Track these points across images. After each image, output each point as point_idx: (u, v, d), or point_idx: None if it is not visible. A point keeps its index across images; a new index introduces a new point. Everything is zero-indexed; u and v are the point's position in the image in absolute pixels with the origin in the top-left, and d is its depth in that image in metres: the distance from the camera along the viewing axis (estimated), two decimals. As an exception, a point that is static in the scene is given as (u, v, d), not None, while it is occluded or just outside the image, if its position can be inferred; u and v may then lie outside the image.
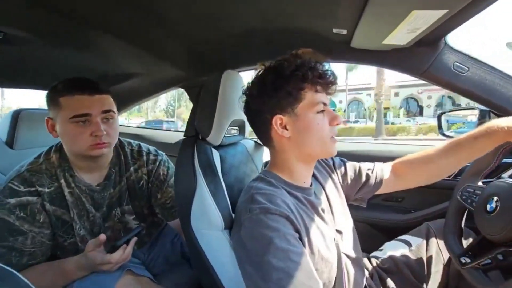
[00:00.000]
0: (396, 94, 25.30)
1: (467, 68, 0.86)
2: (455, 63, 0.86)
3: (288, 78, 0.65)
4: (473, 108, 1.13)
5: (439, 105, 24.36)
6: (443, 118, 1.26)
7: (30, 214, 0.82)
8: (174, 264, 1.08)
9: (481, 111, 1.06)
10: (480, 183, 0.83)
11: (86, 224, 0.91)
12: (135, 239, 0.85)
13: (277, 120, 0.66)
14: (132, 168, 1.00)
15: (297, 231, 0.60)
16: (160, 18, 0.79)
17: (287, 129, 0.67)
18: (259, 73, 0.70)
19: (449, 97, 23.80)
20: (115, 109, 0.89)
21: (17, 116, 1.26)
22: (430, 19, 0.60)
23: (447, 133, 1.23)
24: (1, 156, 1.23)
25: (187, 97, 1.41)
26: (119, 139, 0.98)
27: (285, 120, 0.67)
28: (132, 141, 1.06)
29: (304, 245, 0.61)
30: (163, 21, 0.82)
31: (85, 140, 0.83)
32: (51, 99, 0.84)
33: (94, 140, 0.83)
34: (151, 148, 1.07)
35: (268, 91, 0.67)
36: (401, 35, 0.71)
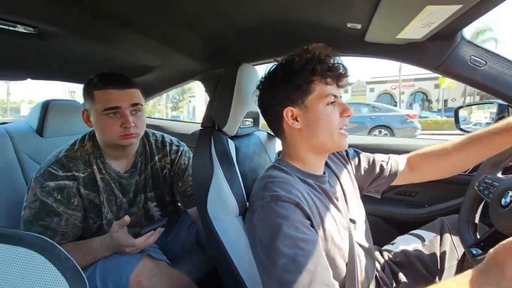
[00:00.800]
0: (372, 90, 25.73)
1: (485, 62, 0.85)
2: (472, 57, 0.85)
3: (298, 72, 0.67)
4: (491, 103, 1.11)
5: (412, 99, 24.92)
6: (460, 112, 1.25)
7: (66, 197, 0.90)
8: (188, 250, 1.14)
9: (500, 105, 1.04)
10: (499, 175, 0.83)
11: (113, 209, 0.99)
12: (160, 230, 0.91)
13: (288, 112, 0.69)
14: (156, 158, 1.08)
15: (308, 217, 0.62)
16: (179, 12, 0.82)
17: (297, 121, 0.69)
18: (271, 68, 0.73)
19: (422, 92, 24.41)
20: (143, 102, 0.97)
21: (46, 106, 1.34)
22: (445, 13, 0.60)
23: (463, 127, 1.21)
24: (31, 143, 1.32)
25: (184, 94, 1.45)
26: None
27: (296, 112, 0.69)
28: (156, 132, 1.13)
29: (316, 231, 0.62)
30: (181, 16, 0.85)
31: (115, 130, 0.91)
32: (86, 92, 0.92)
33: (124, 131, 0.91)
34: (174, 139, 1.15)
35: (279, 84, 0.69)
36: (416, 29, 0.71)
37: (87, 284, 0.34)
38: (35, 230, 0.86)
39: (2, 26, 0.79)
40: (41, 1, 0.72)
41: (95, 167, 0.96)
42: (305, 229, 0.59)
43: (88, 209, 0.96)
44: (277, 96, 0.70)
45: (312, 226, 0.62)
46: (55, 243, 0.33)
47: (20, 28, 0.82)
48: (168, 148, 1.11)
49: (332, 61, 0.68)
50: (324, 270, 0.57)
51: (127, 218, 0.85)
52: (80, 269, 0.35)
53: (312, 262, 0.55)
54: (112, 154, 0.99)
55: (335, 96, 0.69)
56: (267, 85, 0.73)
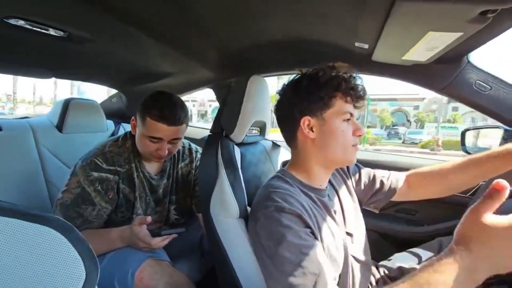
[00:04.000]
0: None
1: (489, 87, 0.87)
2: (477, 81, 0.87)
3: (323, 85, 0.70)
4: (497, 127, 1.11)
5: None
6: (467, 134, 1.25)
7: (104, 189, 0.98)
8: (189, 252, 1.18)
9: (506, 130, 1.05)
10: None
11: (143, 205, 1.06)
12: (173, 235, 0.96)
13: (305, 121, 0.71)
14: (183, 163, 1.17)
15: (309, 227, 0.64)
16: (198, 24, 0.88)
17: (313, 131, 0.71)
18: (296, 77, 0.76)
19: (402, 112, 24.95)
20: (183, 135, 1.05)
21: (67, 104, 1.43)
22: (447, 39, 0.63)
23: (470, 150, 1.21)
24: (51, 138, 1.40)
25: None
26: None
27: (313, 122, 0.71)
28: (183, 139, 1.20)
29: (317, 239, 0.64)
30: (200, 28, 0.90)
31: (150, 151, 1.00)
32: (141, 112, 0.99)
33: (157, 154, 1.00)
34: (198, 147, 1.24)
35: (302, 93, 0.72)
36: (420, 53, 0.74)
37: (99, 266, 0.37)
38: (69, 214, 0.93)
39: (36, 29, 0.87)
40: (72, 7, 0.79)
41: (133, 164, 1.04)
42: (307, 236, 0.62)
43: (121, 203, 1.03)
44: (297, 104, 0.72)
45: (313, 233, 0.64)
46: (74, 228, 0.36)
47: (52, 32, 0.90)
48: (194, 155, 1.20)
49: (356, 81, 0.71)
50: (326, 270, 0.59)
51: (149, 218, 0.91)
52: (94, 252, 0.38)
53: (316, 265, 0.58)
54: (146, 158, 1.07)
55: (351, 114, 0.71)
56: (289, 92, 0.75)
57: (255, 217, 0.69)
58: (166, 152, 0.99)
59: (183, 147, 1.19)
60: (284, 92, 0.76)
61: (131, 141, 1.06)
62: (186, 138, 1.34)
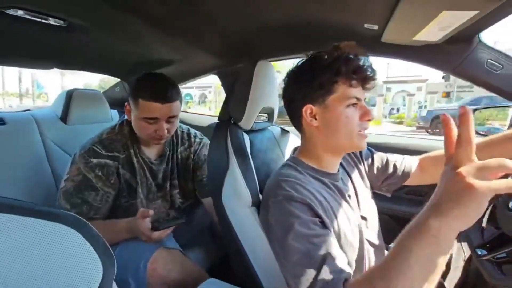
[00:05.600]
0: (388, 89, 26.01)
1: (501, 66, 0.85)
2: (489, 60, 0.85)
3: (323, 70, 0.67)
4: (508, 106, 1.10)
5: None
6: (476, 114, 1.24)
7: (105, 175, 1.00)
8: (199, 239, 1.21)
9: (517, 109, 1.04)
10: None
11: (144, 190, 1.08)
12: (172, 228, 0.97)
13: (307, 109, 0.70)
14: (182, 148, 1.18)
15: (319, 216, 0.63)
16: (201, 9, 0.85)
17: (316, 119, 0.70)
18: (298, 63, 0.74)
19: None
20: (179, 112, 1.05)
21: (71, 95, 1.42)
22: (461, 19, 0.61)
23: (480, 131, 1.20)
24: (56, 130, 1.40)
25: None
26: None
27: (315, 110, 0.69)
28: (181, 124, 1.22)
29: (328, 228, 0.63)
30: (203, 12, 0.88)
31: (149, 133, 1.01)
32: (132, 95, 1.00)
33: (156, 135, 1.00)
34: (198, 132, 1.26)
35: (302, 80, 0.70)
36: (432, 32, 0.72)
37: (115, 261, 0.38)
38: (74, 201, 0.96)
39: (35, 19, 0.85)
40: None
41: (131, 150, 1.06)
42: (315, 226, 0.61)
43: (123, 188, 1.05)
44: (299, 92, 0.71)
45: (323, 222, 0.63)
46: (87, 222, 0.37)
47: (51, 21, 0.88)
48: (193, 139, 1.21)
49: (360, 62, 0.67)
50: (334, 259, 0.58)
51: (151, 212, 0.92)
52: (109, 246, 0.38)
53: (323, 253, 0.57)
54: (145, 143, 1.09)
55: (357, 98, 0.68)
56: (292, 79, 0.73)
57: (265, 205, 0.70)
58: (165, 131, 1.00)
59: (182, 131, 1.21)
60: (288, 78, 0.75)
61: (128, 127, 1.07)
62: (192, 125, 1.34)
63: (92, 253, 0.35)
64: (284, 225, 0.62)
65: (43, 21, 0.87)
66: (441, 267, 0.42)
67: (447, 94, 16.76)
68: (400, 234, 0.46)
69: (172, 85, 1.01)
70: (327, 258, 0.57)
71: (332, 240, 0.61)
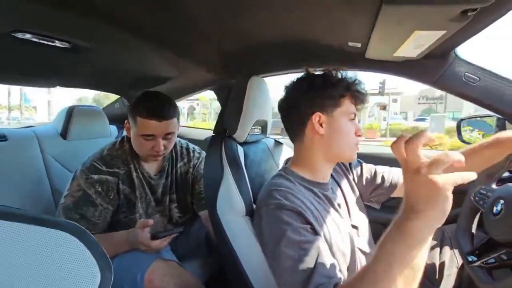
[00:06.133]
0: None
1: (478, 78, 0.90)
2: (466, 73, 0.91)
3: (335, 84, 0.76)
4: (490, 116, 1.15)
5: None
6: (462, 124, 1.28)
7: (105, 190, 1.01)
8: (196, 251, 1.21)
9: (498, 119, 1.09)
10: (493, 186, 0.87)
11: (143, 205, 1.10)
12: (172, 236, 0.98)
13: (317, 116, 0.75)
14: (181, 163, 1.21)
15: (309, 223, 0.66)
16: (195, 28, 0.91)
17: (322, 127, 0.75)
18: (306, 75, 0.81)
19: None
20: (176, 129, 1.09)
21: (71, 112, 1.46)
22: (432, 37, 0.67)
23: (466, 140, 1.25)
24: (56, 146, 1.43)
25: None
26: None
27: (323, 118, 0.75)
28: (179, 139, 1.25)
29: (319, 234, 0.66)
30: (199, 30, 0.93)
31: (146, 150, 1.05)
32: (131, 113, 1.04)
33: (153, 152, 1.03)
34: (196, 147, 1.28)
35: (315, 90, 0.76)
36: (410, 50, 0.78)
37: (112, 267, 0.39)
38: (73, 216, 0.97)
39: (43, 41, 0.91)
40: (76, 20, 0.82)
41: (131, 166, 1.09)
42: (307, 232, 0.64)
43: (122, 203, 1.06)
44: (310, 100, 0.76)
45: (314, 229, 0.66)
46: (86, 230, 0.37)
47: (57, 43, 0.94)
48: (192, 154, 1.24)
49: (362, 86, 0.78)
50: (325, 264, 0.60)
51: (150, 222, 0.94)
52: (107, 254, 0.38)
53: (314, 258, 0.60)
54: (144, 159, 1.12)
55: (354, 114, 0.78)
56: (302, 89, 0.78)
57: (258, 214, 0.73)
58: (162, 148, 1.03)
59: (181, 147, 1.24)
60: (295, 88, 0.80)
61: (129, 143, 1.10)
62: (189, 139, 1.38)
63: (90, 258, 0.36)
64: (276, 233, 0.65)
65: (49, 43, 0.93)
66: (422, 266, 0.46)
67: (384, 107, 18.56)
68: (380, 240, 0.49)
69: (169, 103, 1.04)
70: (318, 264, 0.59)
71: (323, 246, 0.64)
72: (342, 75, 0.77)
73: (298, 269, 0.59)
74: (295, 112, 0.79)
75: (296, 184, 0.75)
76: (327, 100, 0.75)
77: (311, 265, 0.59)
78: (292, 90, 0.81)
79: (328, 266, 0.60)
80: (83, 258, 0.36)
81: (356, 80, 0.77)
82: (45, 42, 0.92)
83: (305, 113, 0.76)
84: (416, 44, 0.71)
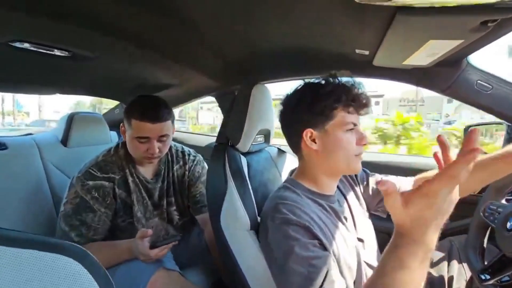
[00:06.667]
0: (377, 103, 27.59)
1: (490, 87, 0.87)
2: (478, 81, 0.88)
3: (323, 97, 0.70)
4: (500, 123, 1.12)
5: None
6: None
7: (101, 196, 1.02)
8: (198, 259, 1.19)
9: (509, 126, 1.06)
10: (503, 201, 0.84)
11: (141, 208, 1.10)
12: (171, 244, 0.97)
13: (308, 133, 0.72)
14: (177, 166, 1.21)
15: (317, 238, 0.64)
16: (197, 34, 0.88)
17: (315, 142, 0.72)
18: (298, 88, 0.76)
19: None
20: (171, 132, 1.09)
21: (71, 119, 1.44)
22: (448, 47, 0.64)
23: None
24: (56, 153, 1.41)
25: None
26: None
27: (315, 134, 0.72)
28: (175, 143, 1.26)
29: (328, 249, 0.64)
30: (201, 37, 0.91)
31: (141, 152, 1.04)
32: (126, 116, 1.05)
33: (148, 154, 1.03)
34: (191, 150, 1.29)
35: (303, 105, 0.73)
36: (421, 58, 0.75)
37: (114, 285, 0.38)
38: (73, 223, 0.98)
39: (42, 50, 0.88)
40: (76, 30, 0.80)
41: (127, 170, 1.09)
42: (315, 248, 0.62)
43: (119, 207, 1.07)
44: (299, 116, 0.73)
45: (322, 244, 0.64)
46: (89, 252, 0.37)
47: (57, 52, 0.92)
48: (187, 157, 1.25)
49: (358, 91, 0.71)
50: (334, 281, 0.58)
51: (149, 232, 0.93)
52: (111, 278, 0.38)
53: (323, 276, 0.58)
54: (140, 163, 1.12)
55: (354, 124, 0.71)
56: (292, 104, 0.75)
57: (264, 228, 0.70)
58: (157, 150, 1.03)
59: (176, 150, 1.24)
60: (287, 103, 0.77)
61: (123, 149, 1.11)
62: (190, 145, 1.36)
63: (94, 285, 0.35)
64: (284, 249, 0.62)
65: (48, 52, 0.90)
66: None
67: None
68: (388, 253, 0.47)
69: (163, 106, 1.05)
70: (327, 280, 0.57)
71: (332, 262, 0.62)
72: (338, 82, 0.71)
73: (307, 286, 0.57)
74: (288, 128, 0.78)
75: (303, 197, 0.73)
76: (317, 116, 0.71)
77: (320, 282, 0.57)
78: (283, 106, 0.78)
79: (336, 284, 0.58)
80: (85, 283, 0.35)
81: (349, 85, 0.71)
82: (44, 51, 0.89)
83: (296, 130, 0.74)
84: (430, 52, 0.68)
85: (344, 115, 0.71)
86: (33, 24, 0.74)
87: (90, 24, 0.77)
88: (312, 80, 0.75)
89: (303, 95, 0.74)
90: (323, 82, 0.73)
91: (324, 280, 0.57)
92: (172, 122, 1.09)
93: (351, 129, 0.71)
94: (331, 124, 0.71)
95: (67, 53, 0.92)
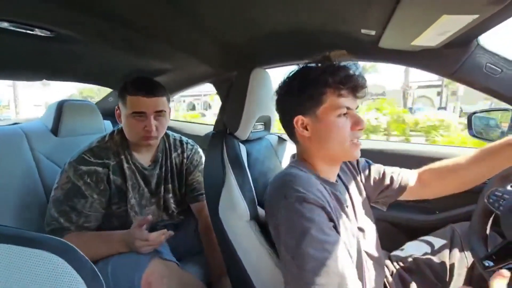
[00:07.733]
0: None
1: (500, 70, 0.84)
2: (488, 64, 0.84)
3: (312, 82, 0.67)
4: (506, 110, 1.09)
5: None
6: (473, 118, 1.22)
7: (94, 181, 0.99)
8: (197, 251, 1.17)
9: (516, 112, 1.03)
10: (509, 187, 0.82)
11: (136, 196, 1.08)
12: (169, 233, 0.93)
13: (298, 120, 0.70)
14: (175, 154, 1.20)
15: (332, 220, 0.61)
16: (193, 17, 0.84)
17: (307, 129, 0.70)
18: (289, 74, 0.73)
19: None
20: (167, 109, 1.06)
21: (61, 107, 1.37)
22: (461, 23, 0.60)
23: (477, 134, 1.19)
24: (46, 143, 1.35)
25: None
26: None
27: (306, 121, 0.69)
28: (173, 133, 1.24)
29: (340, 234, 0.62)
30: (197, 21, 0.86)
31: (138, 131, 1.02)
32: (121, 94, 1.03)
33: (145, 133, 1.00)
34: (189, 139, 1.28)
35: (292, 92, 0.70)
36: (431, 37, 0.71)
37: (104, 286, 0.35)
38: (63, 209, 0.95)
39: (20, 30, 0.82)
40: (56, 6, 0.73)
41: (122, 156, 1.07)
42: (330, 231, 0.59)
43: (114, 194, 1.04)
44: (289, 103, 0.71)
45: (335, 227, 0.61)
46: (73, 246, 0.35)
47: (38, 32, 0.85)
48: (185, 146, 1.24)
49: (348, 72, 0.67)
50: (350, 270, 0.56)
51: (148, 217, 0.90)
52: (99, 273, 0.36)
53: (340, 264, 0.55)
54: (136, 149, 1.09)
55: (348, 108, 0.68)
56: (283, 91, 0.73)
57: (275, 209, 0.64)
58: (154, 128, 1.00)
59: (174, 139, 1.23)
60: (279, 90, 0.75)
61: (120, 135, 1.08)
62: (188, 135, 1.32)
63: (77, 280, 0.33)
64: (297, 230, 0.57)
65: (28, 31, 0.84)
66: None
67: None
68: None
69: (157, 83, 1.04)
70: (344, 272, 0.54)
71: (344, 247, 0.59)
72: (328, 65, 0.67)
73: (322, 273, 0.54)
74: (282, 115, 0.76)
75: (312, 177, 0.67)
76: (306, 102, 0.68)
77: (338, 270, 0.54)
78: (276, 93, 0.76)
79: (352, 273, 0.57)
80: (68, 279, 0.33)
81: (340, 68, 0.66)
82: (24, 31, 0.83)
83: (288, 117, 0.72)
84: (441, 30, 0.64)
85: (334, 98, 0.67)
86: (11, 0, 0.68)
87: (71, 3, 0.71)
88: (303, 65, 0.72)
89: (293, 81, 0.71)
90: (313, 65, 0.69)
91: (340, 270, 0.54)
92: (168, 99, 1.07)
93: (344, 114, 0.67)
94: (322, 109, 0.68)
95: (49, 33, 0.86)
